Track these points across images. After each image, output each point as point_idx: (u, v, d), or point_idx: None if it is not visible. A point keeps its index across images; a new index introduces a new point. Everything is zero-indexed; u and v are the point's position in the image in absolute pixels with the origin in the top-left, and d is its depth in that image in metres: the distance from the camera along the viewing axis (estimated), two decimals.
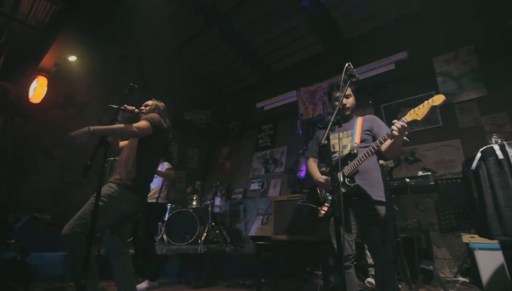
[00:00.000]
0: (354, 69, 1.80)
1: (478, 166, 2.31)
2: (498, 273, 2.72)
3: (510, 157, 2.17)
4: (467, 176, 2.45)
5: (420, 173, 3.45)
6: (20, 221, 3.91)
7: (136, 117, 2.27)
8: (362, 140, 2.00)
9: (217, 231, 5.33)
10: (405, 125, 1.61)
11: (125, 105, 2.22)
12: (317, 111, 5.64)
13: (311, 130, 5.67)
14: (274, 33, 5.96)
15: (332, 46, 5.80)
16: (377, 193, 1.90)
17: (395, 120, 1.66)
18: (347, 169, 1.89)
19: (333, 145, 2.05)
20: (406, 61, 4.76)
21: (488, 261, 2.80)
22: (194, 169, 7.67)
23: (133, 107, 2.28)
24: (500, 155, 2.21)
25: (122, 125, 1.99)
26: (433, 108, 1.57)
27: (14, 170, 4.85)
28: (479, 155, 2.33)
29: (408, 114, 1.62)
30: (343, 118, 2.14)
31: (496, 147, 2.25)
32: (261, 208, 5.94)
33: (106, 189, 1.98)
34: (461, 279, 3.26)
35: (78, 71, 5.42)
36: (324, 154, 2.15)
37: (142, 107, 2.38)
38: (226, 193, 6.51)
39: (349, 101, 2.13)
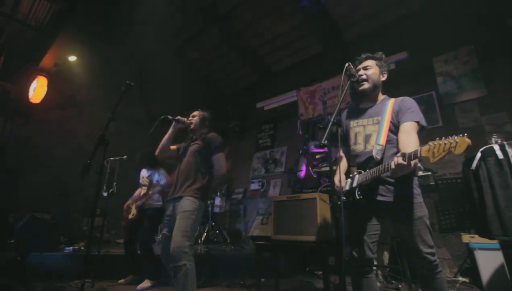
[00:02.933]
0: (354, 69, 1.80)
1: (478, 166, 2.32)
2: (498, 273, 2.72)
3: (510, 157, 2.18)
4: (467, 176, 2.45)
5: (420, 173, 3.44)
6: (20, 221, 3.90)
7: (187, 127, 2.54)
8: (388, 140, 1.66)
9: (217, 231, 5.32)
10: (402, 163, 1.36)
11: (179, 117, 2.46)
12: (317, 111, 5.64)
13: (311, 130, 5.67)
14: (274, 33, 5.96)
15: (332, 46, 5.80)
16: (390, 193, 1.63)
17: (397, 156, 1.41)
18: (361, 177, 1.65)
19: (356, 135, 1.80)
20: (406, 61, 4.76)
21: (488, 261, 2.80)
22: None
23: (186, 119, 2.51)
24: (500, 155, 2.21)
25: (219, 179, 2.39)
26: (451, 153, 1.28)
27: (14, 170, 4.85)
28: (479, 155, 2.33)
29: (427, 147, 1.32)
30: (364, 98, 1.82)
31: (496, 147, 2.25)
32: (261, 208, 5.94)
33: (191, 203, 2.20)
34: (461, 279, 3.26)
35: (78, 71, 5.42)
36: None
37: (191, 118, 2.56)
38: (226, 193, 6.50)
39: (368, 73, 1.78)
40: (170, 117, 2.42)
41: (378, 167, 1.57)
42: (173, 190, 2.35)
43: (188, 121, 2.51)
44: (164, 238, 2.23)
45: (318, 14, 5.40)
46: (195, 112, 2.61)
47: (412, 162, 1.37)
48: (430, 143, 1.31)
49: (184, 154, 2.46)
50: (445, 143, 1.26)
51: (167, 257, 2.09)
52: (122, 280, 3.39)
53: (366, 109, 1.85)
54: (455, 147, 1.24)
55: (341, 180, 1.75)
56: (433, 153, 1.29)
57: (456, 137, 1.24)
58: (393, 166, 1.41)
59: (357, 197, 1.65)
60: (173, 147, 2.56)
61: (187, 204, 2.19)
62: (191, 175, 2.31)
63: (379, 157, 1.63)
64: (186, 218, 2.13)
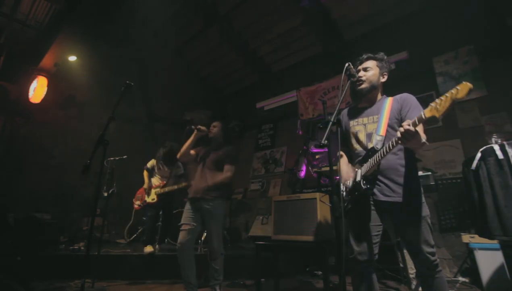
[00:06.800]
0: (354, 69, 1.80)
1: (478, 166, 2.32)
2: (498, 273, 2.72)
3: (510, 156, 2.18)
4: (467, 176, 2.45)
5: (420, 173, 3.44)
6: (20, 221, 3.90)
7: (205, 136, 2.91)
8: (388, 132, 1.67)
9: None
10: (411, 129, 1.33)
11: (199, 126, 2.84)
12: (317, 111, 5.64)
13: (311, 130, 5.67)
14: (274, 33, 5.95)
15: (332, 46, 5.80)
16: (395, 193, 1.62)
17: (404, 123, 1.39)
18: (364, 168, 1.67)
19: (356, 133, 1.81)
20: (406, 61, 4.76)
21: (488, 261, 2.80)
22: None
23: (205, 128, 2.88)
24: (500, 155, 2.21)
25: (220, 183, 2.71)
26: (455, 102, 1.23)
27: (14, 170, 4.85)
28: (479, 155, 2.33)
29: (429, 108, 1.30)
30: (363, 98, 1.84)
31: (496, 147, 2.26)
32: (261, 208, 5.94)
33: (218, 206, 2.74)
34: (461, 279, 3.26)
35: (78, 71, 5.42)
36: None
37: (211, 128, 2.96)
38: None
39: (367, 75, 1.80)
40: (193, 127, 2.83)
41: (381, 150, 1.57)
42: (194, 191, 2.74)
43: (206, 130, 2.89)
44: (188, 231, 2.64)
45: (318, 14, 5.40)
46: (215, 123, 3.01)
47: (419, 128, 1.37)
48: (431, 103, 1.29)
49: (204, 160, 2.87)
50: (446, 96, 1.25)
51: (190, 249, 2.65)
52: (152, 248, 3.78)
53: (365, 109, 1.86)
54: (457, 93, 1.21)
55: (345, 172, 1.79)
56: (437, 109, 1.27)
57: (457, 86, 1.22)
58: (399, 134, 1.37)
59: (363, 187, 1.65)
60: (192, 152, 2.93)
61: (216, 206, 2.68)
62: (210, 181, 2.70)
63: (379, 147, 1.64)
64: (219, 222, 2.70)
